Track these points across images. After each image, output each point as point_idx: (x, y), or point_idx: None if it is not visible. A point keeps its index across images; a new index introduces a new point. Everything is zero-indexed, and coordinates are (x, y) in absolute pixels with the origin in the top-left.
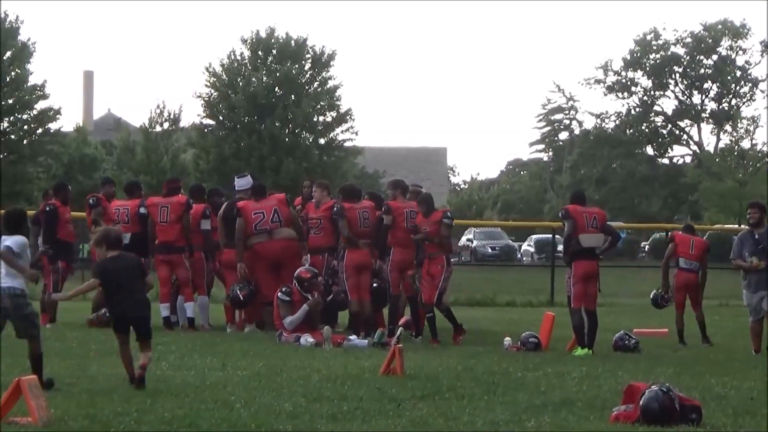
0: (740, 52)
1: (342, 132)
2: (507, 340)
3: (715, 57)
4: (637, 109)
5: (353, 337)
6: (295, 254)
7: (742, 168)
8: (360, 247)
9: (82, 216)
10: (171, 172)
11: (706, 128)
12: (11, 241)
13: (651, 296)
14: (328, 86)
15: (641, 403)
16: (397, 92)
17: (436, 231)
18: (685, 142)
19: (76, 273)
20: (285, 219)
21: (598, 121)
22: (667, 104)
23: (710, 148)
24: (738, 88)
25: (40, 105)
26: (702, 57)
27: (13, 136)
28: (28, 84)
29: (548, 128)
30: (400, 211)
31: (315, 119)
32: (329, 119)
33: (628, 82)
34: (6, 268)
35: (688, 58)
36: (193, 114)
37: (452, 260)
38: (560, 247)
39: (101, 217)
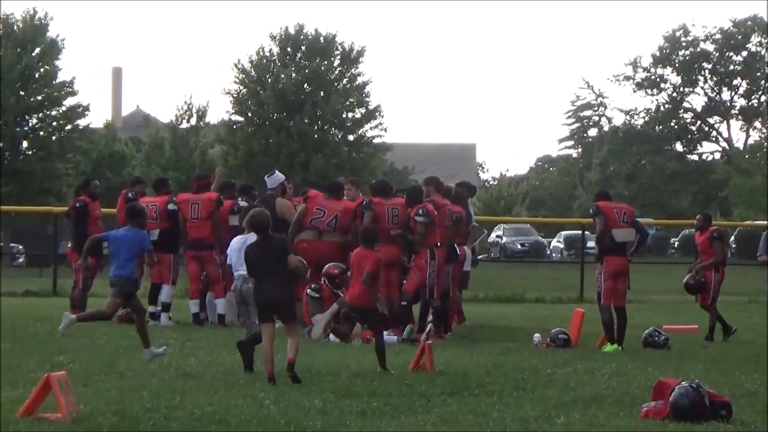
0: None
1: (371, 128)
2: (536, 336)
3: (744, 53)
4: (667, 106)
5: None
6: (338, 258)
7: None
8: (390, 243)
9: (112, 212)
10: (200, 168)
11: (736, 124)
12: None
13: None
14: (357, 82)
15: (671, 399)
16: (426, 88)
17: (414, 226)
18: (714, 139)
19: (105, 269)
20: (342, 228)
21: (628, 117)
22: (697, 101)
23: (740, 145)
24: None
25: (69, 102)
26: (731, 53)
27: (42, 133)
28: (57, 81)
29: (577, 125)
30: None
31: (344, 116)
32: (358, 116)
33: (658, 79)
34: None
35: (717, 54)
36: (222, 110)
37: (479, 257)
38: (590, 243)
39: None
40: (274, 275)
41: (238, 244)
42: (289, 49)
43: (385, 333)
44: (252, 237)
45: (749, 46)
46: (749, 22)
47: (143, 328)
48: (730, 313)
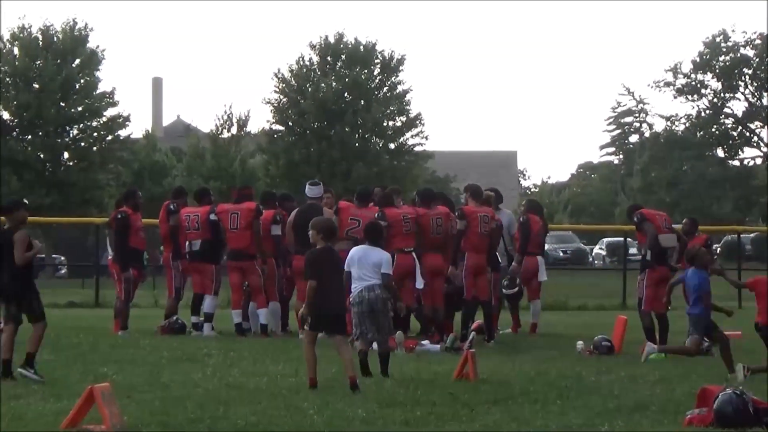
0: None
1: (412, 136)
2: (580, 343)
3: None
4: (707, 112)
5: (426, 342)
6: None
7: None
8: (435, 252)
9: (153, 223)
10: (241, 177)
11: None
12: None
13: None
14: (397, 91)
15: (715, 406)
16: (467, 96)
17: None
18: (755, 144)
19: (147, 280)
20: None
21: (668, 123)
22: (737, 106)
23: None
24: None
25: (110, 112)
26: None
27: (83, 144)
28: (98, 91)
29: (618, 131)
30: (474, 216)
31: (385, 124)
32: (399, 124)
33: (698, 85)
34: None
35: (757, 59)
36: (262, 119)
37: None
38: (632, 250)
39: (179, 224)
40: (338, 285)
41: (359, 253)
42: (329, 57)
43: (427, 342)
44: (371, 248)
45: None
46: None
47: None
48: None
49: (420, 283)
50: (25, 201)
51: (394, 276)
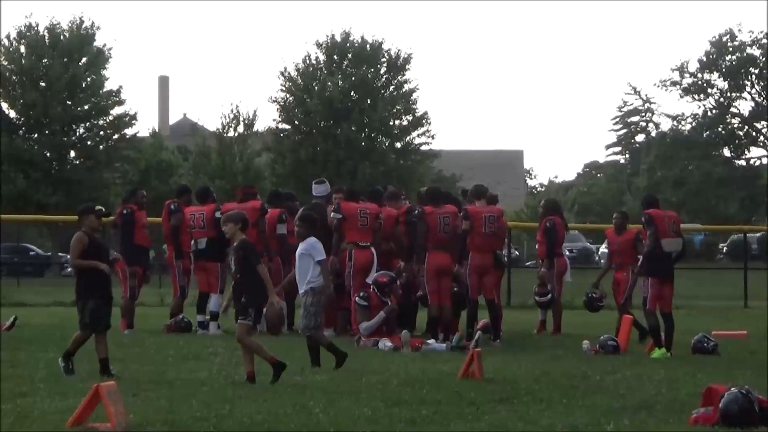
0: None
1: (418, 136)
2: (586, 343)
3: None
4: (714, 111)
5: (431, 341)
6: (385, 266)
7: None
8: (442, 250)
9: (157, 221)
10: (244, 176)
11: None
12: None
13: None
14: (404, 90)
15: (720, 405)
16: (473, 95)
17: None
18: (762, 144)
19: (152, 278)
20: (385, 235)
21: (675, 123)
22: (744, 106)
23: None
24: None
25: (116, 111)
26: None
27: (89, 142)
28: (104, 90)
29: (625, 130)
30: (479, 216)
31: (391, 123)
32: (405, 123)
33: (704, 84)
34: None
35: (764, 59)
36: (268, 118)
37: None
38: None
39: (181, 223)
40: (258, 277)
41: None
42: (335, 56)
43: (433, 340)
44: (305, 241)
45: None
46: None
47: None
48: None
49: (371, 278)
50: (100, 208)
51: (354, 270)
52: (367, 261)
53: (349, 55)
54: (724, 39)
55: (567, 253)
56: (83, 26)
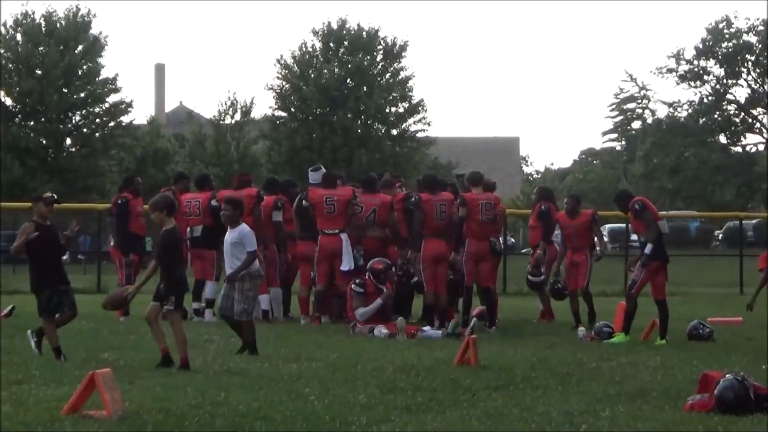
0: None
1: (414, 123)
2: (581, 330)
3: None
4: (710, 98)
5: (427, 328)
6: (380, 253)
7: None
8: (438, 238)
9: None
10: (241, 163)
11: None
12: None
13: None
14: (400, 77)
15: (716, 392)
16: (469, 82)
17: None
18: (758, 131)
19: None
20: (380, 222)
21: (671, 110)
22: (740, 92)
23: None
24: None
25: (112, 98)
26: None
27: (85, 130)
28: (100, 78)
29: (621, 117)
30: (475, 203)
31: (387, 110)
32: (401, 110)
33: (701, 71)
34: None
35: (760, 46)
36: (265, 106)
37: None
38: (634, 237)
39: (176, 211)
40: (180, 263)
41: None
42: (331, 44)
43: (428, 327)
44: (232, 230)
45: None
46: None
47: None
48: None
49: (346, 266)
50: (49, 195)
51: (319, 257)
52: (334, 248)
53: (346, 43)
54: (721, 26)
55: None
56: (79, 14)
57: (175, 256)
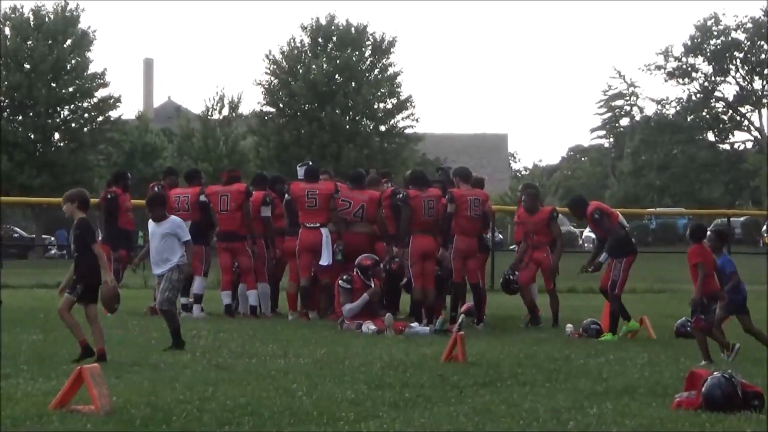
0: None
1: (402, 119)
2: (569, 326)
3: None
4: (698, 95)
5: (415, 324)
6: (368, 249)
7: None
8: (426, 234)
9: (142, 204)
10: (229, 159)
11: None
12: None
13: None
14: (388, 73)
15: (703, 389)
16: (457, 78)
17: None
18: (746, 128)
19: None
20: (368, 218)
21: (659, 107)
22: (728, 90)
23: None
24: None
25: (101, 93)
26: (763, 42)
27: (73, 125)
28: (89, 72)
29: (609, 114)
30: (464, 200)
31: (375, 106)
32: (390, 106)
33: (689, 68)
34: None
35: (748, 43)
36: (253, 101)
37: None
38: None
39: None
40: (92, 255)
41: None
42: (320, 39)
43: (416, 324)
44: (158, 223)
45: None
46: None
47: None
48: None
49: (325, 261)
50: None
51: (299, 250)
52: (313, 241)
53: (334, 39)
54: (709, 23)
55: None
56: (68, 8)
57: (86, 248)
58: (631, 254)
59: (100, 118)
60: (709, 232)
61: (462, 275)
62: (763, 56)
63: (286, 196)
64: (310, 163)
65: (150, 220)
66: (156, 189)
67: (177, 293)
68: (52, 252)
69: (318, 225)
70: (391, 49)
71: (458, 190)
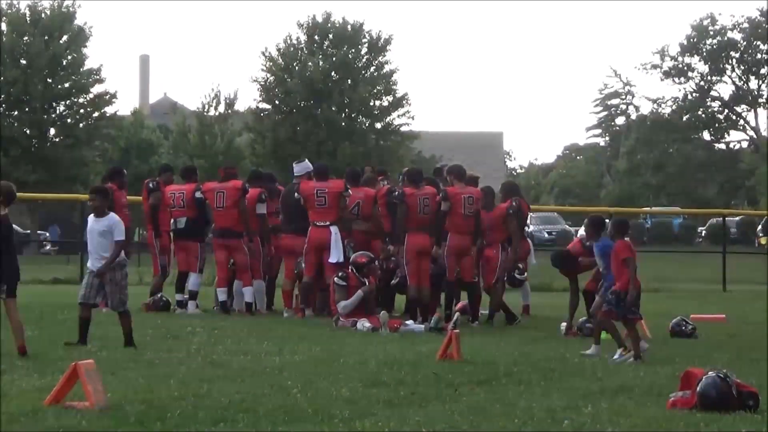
0: None
1: (398, 117)
2: (564, 325)
3: None
4: (694, 95)
5: (410, 322)
6: (364, 247)
7: None
8: (422, 232)
9: (139, 200)
10: (225, 155)
11: (763, 113)
12: None
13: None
14: (384, 71)
15: (698, 389)
16: (453, 77)
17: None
18: (741, 128)
19: (131, 257)
20: (364, 215)
21: (655, 106)
22: (724, 89)
23: (767, 134)
24: None
25: (96, 89)
26: (759, 42)
27: (69, 120)
28: (85, 68)
29: (605, 113)
30: (458, 198)
31: (371, 104)
32: (385, 103)
33: (685, 68)
34: None
35: (744, 43)
36: (249, 98)
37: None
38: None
39: (159, 202)
40: (13, 251)
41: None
42: (316, 37)
43: (412, 322)
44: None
45: None
46: None
47: None
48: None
49: (334, 258)
50: None
51: (307, 248)
52: (322, 240)
53: (330, 36)
54: (705, 23)
55: (546, 235)
56: (64, 5)
57: (9, 244)
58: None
59: (96, 114)
60: (585, 220)
61: (456, 273)
62: (759, 56)
63: (295, 194)
64: (306, 160)
65: (90, 215)
66: (151, 185)
67: (125, 292)
68: (47, 248)
69: (328, 223)
70: (387, 47)
71: (452, 188)
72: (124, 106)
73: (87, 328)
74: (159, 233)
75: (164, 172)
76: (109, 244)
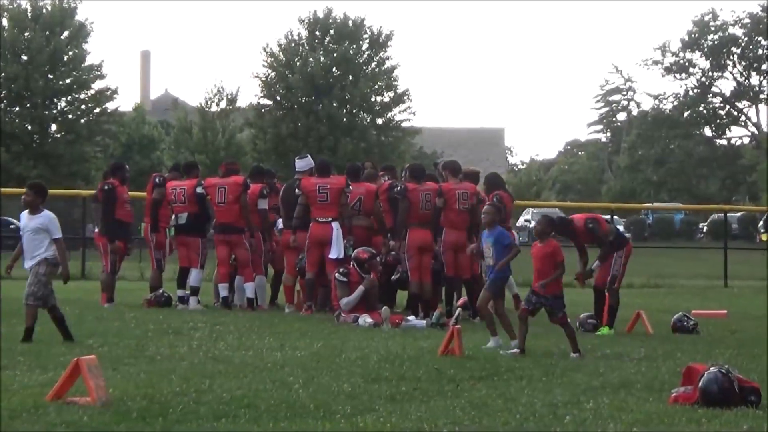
0: None
1: (400, 112)
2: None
3: None
4: (695, 90)
5: (411, 317)
6: (365, 242)
7: None
8: (424, 228)
9: (141, 196)
10: (226, 151)
11: (764, 109)
12: None
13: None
14: (385, 66)
15: (700, 384)
16: (455, 72)
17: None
18: (743, 123)
19: (133, 252)
20: (365, 211)
21: (656, 102)
22: (725, 85)
23: None
24: None
25: (98, 85)
26: (760, 38)
27: (70, 116)
28: (86, 64)
29: (606, 109)
30: (452, 193)
31: (372, 99)
32: (387, 99)
33: (686, 63)
34: None
35: (746, 39)
36: (250, 94)
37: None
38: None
39: (162, 198)
40: None
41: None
42: (317, 32)
43: (413, 317)
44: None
45: None
46: None
47: None
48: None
49: (335, 254)
50: None
51: (308, 244)
52: (324, 235)
53: (331, 32)
54: (707, 18)
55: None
56: (65, 0)
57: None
58: (628, 243)
59: (97, 110)
60: (487, 206)
61: (454, 269)
62: (760, 52)
63: (297, 191)
64: (309, 156)
65: (24, 212)
66: (157, 180)
67: (43, 287)
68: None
69: (330, 219)
70: (389, 43)
71: (447, 183)
72: (125, 102)
73: (63, 324)
74: (157, 228)
75: (173, 171)
76: (45, 243)
